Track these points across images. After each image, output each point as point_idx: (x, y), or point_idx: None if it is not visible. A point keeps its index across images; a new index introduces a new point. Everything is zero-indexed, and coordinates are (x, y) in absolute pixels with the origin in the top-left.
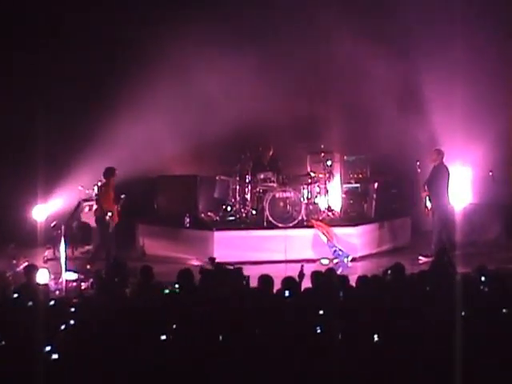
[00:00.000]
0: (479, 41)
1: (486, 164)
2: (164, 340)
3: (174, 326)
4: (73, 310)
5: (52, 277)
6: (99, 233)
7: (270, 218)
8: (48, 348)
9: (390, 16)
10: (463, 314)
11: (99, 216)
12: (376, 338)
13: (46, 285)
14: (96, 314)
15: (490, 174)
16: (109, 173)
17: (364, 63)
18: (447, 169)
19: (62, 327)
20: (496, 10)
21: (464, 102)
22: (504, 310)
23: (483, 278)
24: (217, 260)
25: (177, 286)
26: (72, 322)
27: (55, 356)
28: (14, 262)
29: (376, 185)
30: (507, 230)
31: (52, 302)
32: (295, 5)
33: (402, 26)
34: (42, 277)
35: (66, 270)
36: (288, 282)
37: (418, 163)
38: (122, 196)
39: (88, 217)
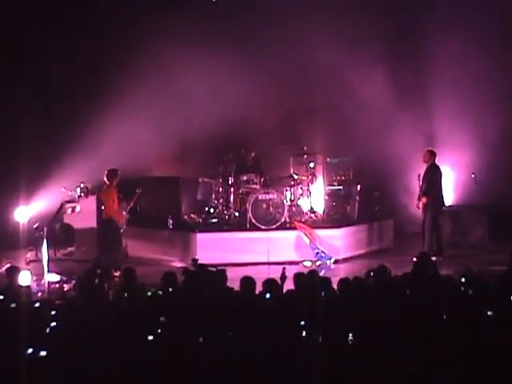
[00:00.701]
0: (459, 45)
1: (469, 166)
2: (149, 341)
3: (158, 328)
4: (54, 312)
5: (34, 278)
6: (102, 236)
7: (253, 220)
8: (30, 350)
9: (372, 19)
10: (445, 316)
11: (105, 220)
12: (353, 338)
13: (29, 286)
14: (77, 316)
15: (473, 176)
16: (111, 175)
17: (348, 66)
18: (439, 169)
19: (47, 330)
20: (482, 18)
21: (448, 104)
22: (489, 313)
23: (465, 280)
24: (199, 261)
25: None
26: (54, 323)
27: (43, 353)
28: None
29: (359, 187)
30: (490, 231)
31: (37, 304)
32: (280, 7)
33: (385, 29)
34: (25, 278)
35: (49, 272)
36: (269, 284)
37: (419, 175)
38: (138, 190)
39: (71, 218)
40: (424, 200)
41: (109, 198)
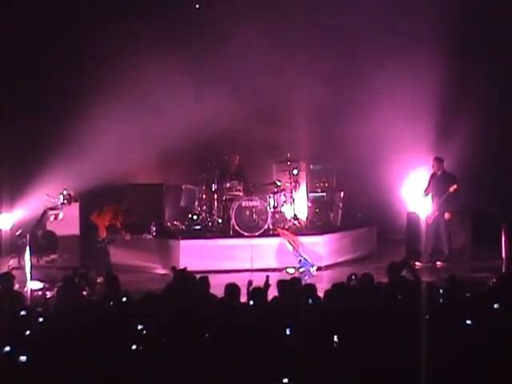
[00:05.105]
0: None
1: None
2: (131, 349)
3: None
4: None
5: (17, 286)
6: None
7: (236, 227)
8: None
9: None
10: (427, 321)
11: (90, 224)
12: (338, 344)
13: None
14: (58, 322)
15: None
16: (128, 213)
17: (329, 72)
18: (453, 175)
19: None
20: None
21: (435, 109)
22: (468, 322)
23: (449, 288)
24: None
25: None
26: (35, 329)
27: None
28: None
29: (342, 193)
30: (472, 238)
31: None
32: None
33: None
34: None
35: (31, 279)
36: (255, 292)
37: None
38: (146, 235)
39: (54, 225)
40: (447, 215)
41: (108, 215)
